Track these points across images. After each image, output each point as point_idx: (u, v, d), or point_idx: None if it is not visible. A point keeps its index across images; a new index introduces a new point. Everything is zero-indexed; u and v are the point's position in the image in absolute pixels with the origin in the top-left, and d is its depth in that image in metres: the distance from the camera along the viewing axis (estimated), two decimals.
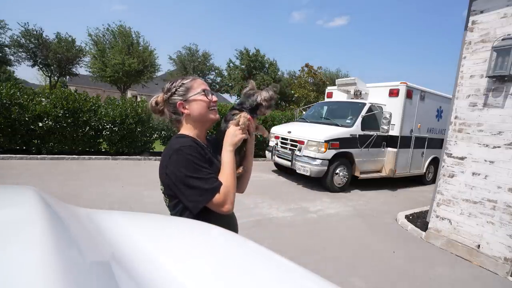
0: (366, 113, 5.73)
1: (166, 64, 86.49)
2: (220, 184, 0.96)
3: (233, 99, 27.80)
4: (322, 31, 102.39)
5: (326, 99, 7.72)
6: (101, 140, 6.96)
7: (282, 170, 6.99)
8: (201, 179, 0.94)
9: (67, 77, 26.75)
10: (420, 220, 4.21)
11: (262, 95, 1.09)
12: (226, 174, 0.99)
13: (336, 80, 7.26)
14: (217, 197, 0.94)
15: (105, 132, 6.89)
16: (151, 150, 7.61)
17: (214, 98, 1.08)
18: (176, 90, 1.05)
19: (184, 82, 1.06)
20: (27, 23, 20.43)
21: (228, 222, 1.09)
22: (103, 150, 7.11)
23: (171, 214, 1.04)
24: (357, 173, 5.74)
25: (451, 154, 3.53)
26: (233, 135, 1.04)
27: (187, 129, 1.07)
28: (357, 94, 6.57)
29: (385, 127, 5.46)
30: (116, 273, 0.55)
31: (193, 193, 0.94)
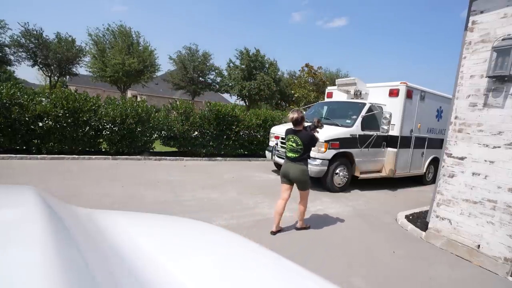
0: (366, 113, 5.72)
1: (166, 64, 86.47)
2: None
3: (233, 99, 27.79)
4: (321, 31, 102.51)
5: (326, 99, 7.72)
6: (101, 140, 6.95)
7: None
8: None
9: (67, 77, 26.77)
10: (420, 220, 4.21)
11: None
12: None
13: (336, 80, 7.25)
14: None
15: (105, 132, 6.88)
16: (151, 150, 7.61)
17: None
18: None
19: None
20: (27, 23, 20.43)
21: None
22: (103, 150, 7.10)
23: (301, 157, 3.22)
24: (357, 173, 5.74)
25: (451, 154, 3.53)
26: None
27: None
28: (357, 94, 6.56)
29: (385, 127, 5.45)
30: (116, 272, 0.54)
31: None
